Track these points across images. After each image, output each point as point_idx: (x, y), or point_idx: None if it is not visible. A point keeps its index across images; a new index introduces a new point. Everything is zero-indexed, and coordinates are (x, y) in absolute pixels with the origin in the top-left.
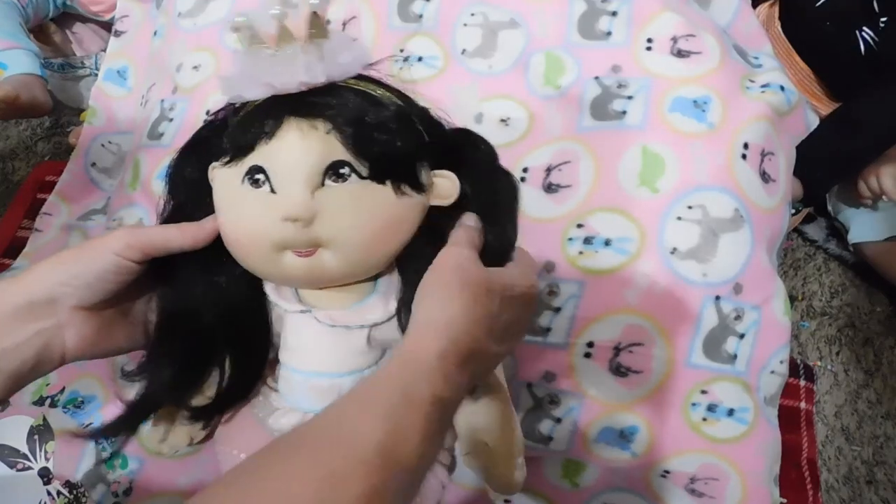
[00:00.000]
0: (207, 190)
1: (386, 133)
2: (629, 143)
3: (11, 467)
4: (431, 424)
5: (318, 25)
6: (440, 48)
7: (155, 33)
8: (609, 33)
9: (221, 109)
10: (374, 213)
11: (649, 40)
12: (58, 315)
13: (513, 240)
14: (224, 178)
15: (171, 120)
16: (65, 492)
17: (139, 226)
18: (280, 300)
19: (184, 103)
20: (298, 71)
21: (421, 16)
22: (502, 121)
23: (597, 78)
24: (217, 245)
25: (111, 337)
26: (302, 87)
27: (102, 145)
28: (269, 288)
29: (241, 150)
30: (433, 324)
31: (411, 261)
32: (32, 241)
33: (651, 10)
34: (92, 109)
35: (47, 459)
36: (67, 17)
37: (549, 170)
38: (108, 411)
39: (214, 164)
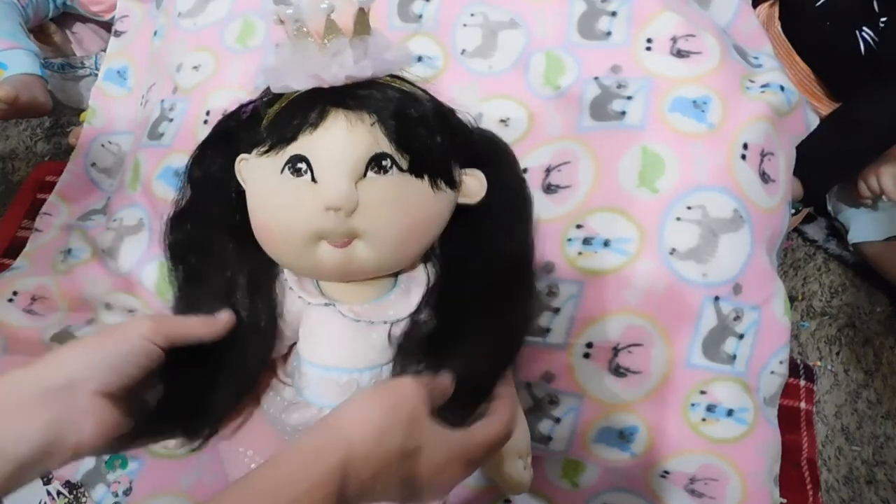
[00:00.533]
0: (227, 183)
1: (426, 128)
2: (629, 143)
3: None
4: None
5: (363, 21)
6: (440, 48)
7: (155, 33)
8: (609, 33)
9: (250, 102)
10: (411, 206)
11: (649, 40)
12: (77, 401)
13: (528, 253)
14: (260, 168)
15: (171, 120)
16: (65, 492)
17: (164, 315)
18: (303, 293)
19: (184, 103)
20: (348, 64)
21: (421, 16)
22: (502, 121)
23: (596, 78)
24: (237, 237)
25: (126, 426)
26: (349, 80)
27: (102, 145)
28: (291, 281)
29: (282, 140)
30: (345, 428)
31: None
32: (32, 241)
33: (651, 10)
34: (92, 109)
35: None
36: (67, 17)
37: (548, 170)
38: None
39: (244, 155)
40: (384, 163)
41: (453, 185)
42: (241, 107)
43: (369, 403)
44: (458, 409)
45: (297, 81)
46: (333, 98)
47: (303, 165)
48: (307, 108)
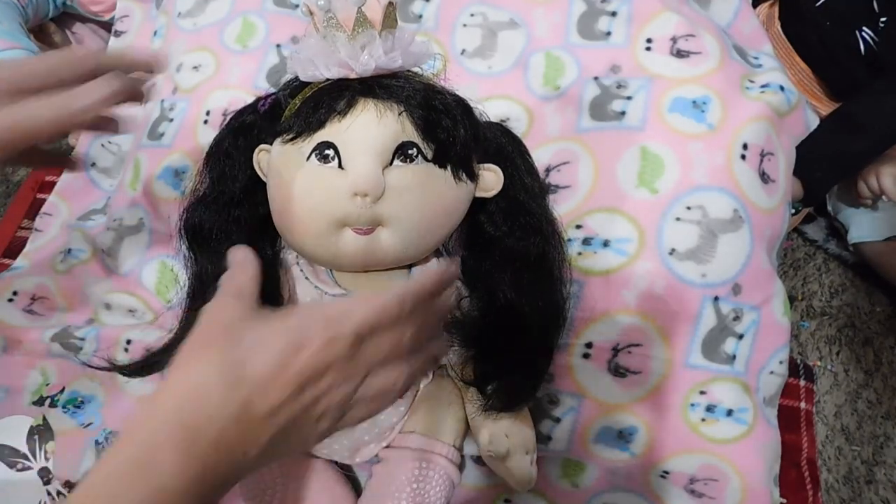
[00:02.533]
0: (243, 174)
1: (451, 119)
2: (628, 143)
3: (11, 467)
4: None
5: (391, 15)
6: (440, 48)
7: (155, 33)
8: (608, 33)
9: (268, 95)
10: (435, 195)
11: (649, 40)
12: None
13: (542, 246)
14: (284, 156)
15: (171, 120)
16: (65, 492)
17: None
18: (319, 283)
19: (184, 103)
20: (378, 55)
21: (420, 16)
22: (501, 121)
23: (596, 78)
24: (256, 225)
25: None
26: (378, 71)
27: (102, 145)
28: (307, 271)
29: (310, 127)
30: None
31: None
32: (32, 241)
33: (651, 10)
34: None
35: (47, 459)
36: (67, 17)
37: (548, 170)
38: (108, 411)
39: (264, 146)
40: (410, 151)
41: (473, 177)
42: (259, 100)
43: (183, 355)
44: (513, 395)
45: (327, 70)
46: (361, 88)
47: (330, 152)
48: (335, 96)
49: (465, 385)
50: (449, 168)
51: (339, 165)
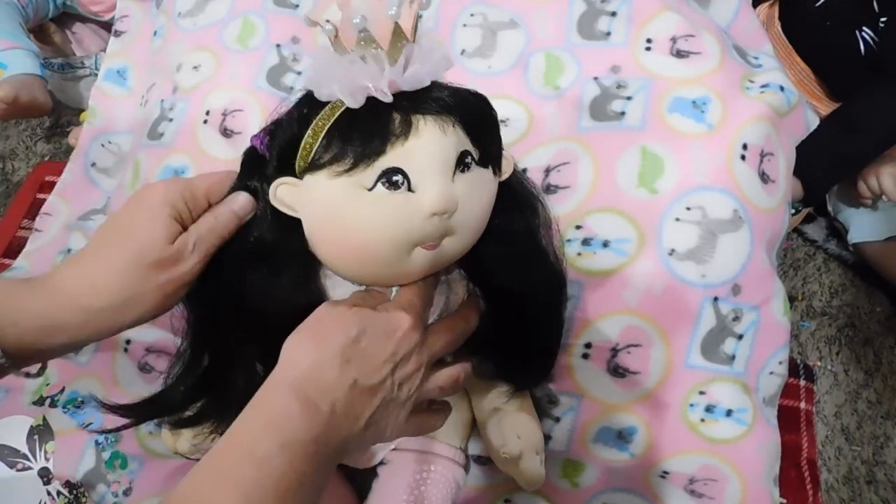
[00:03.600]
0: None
1: (488, 120)
2: (628, 143)
3: (11, 467)
4: (288, 481)
5: (416, 26)
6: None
7: (155, 33)
8: (608, 33)
9: (261, 132)
10: (486, 195)
11: (649, 40)
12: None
13: (532, 225)
14: (335, 189)
15: (171, 120)
16: (65, 492)
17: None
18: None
19: (184, 103)
20: (427, 67)
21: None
22: (501, 121)
23: (596, 78)
24: (277, 253)
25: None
26: (422, 84)
27: (102, 145)
28: (346, 289)
29: (369, 155)
30: (280, 375)
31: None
32: (32, 241)
33: (650, 10)
34: (92, 109)
35: (47, 459)
36: (67, 17)
37: (547, 170)
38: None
39: (285, 179)
40: (467, 160)
41: (500, 168)
42: (252, 142)
43: (297, 343)
44: (535, 371)
45: (378, 93)
46: (409, 104)
47: (399, 178)
48: (385, 118)
49: (485, 381)
50: (490, 166)
51: (409, 189)
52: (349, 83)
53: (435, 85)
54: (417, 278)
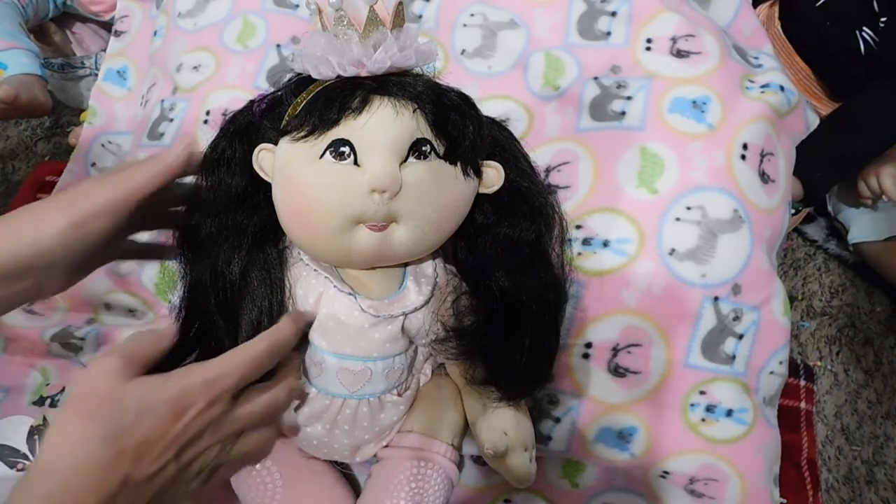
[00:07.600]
0: (244, 172)
1: (460, 115)
2: (628, 143)
3: (11, 467)
4: None
5: (399, 14)
6: (440, 48)
7: (155, 33)
8: (608, 33)
9: (264, 96)
10: (447, 191)
11: (649, 40)
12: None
13: (531, 235)
14: (293, 154)
15: (171, 120)
16: None
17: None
18: (328, 274)
19: (184, 103)
20: (392, 53)
21: (420, 16)
22: (501, 121)
23: (596, 78)
24: (257, 228)
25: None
26: (390, 69)
27: (102, 145)
28: (319, 267)
29: (323, 125)
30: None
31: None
32: None
33: (650, 10)
34: (92, 109)
35: None
36: (67, 17)
37: (547, 171)
38: None
39: (265, 145)
40: (424, 148)
41: (479, 173)
42: (252, 102)
43: (61, 426)
44: (527, 383)
45: (341, 68)
46: (375, 86)
47: (346, 149)
48: (348, 94)
49: (476, 386)
50: (458, 164)
51: (355, 162)
52: (317, 58)
53: (416, 76)
54: (366, 266)
